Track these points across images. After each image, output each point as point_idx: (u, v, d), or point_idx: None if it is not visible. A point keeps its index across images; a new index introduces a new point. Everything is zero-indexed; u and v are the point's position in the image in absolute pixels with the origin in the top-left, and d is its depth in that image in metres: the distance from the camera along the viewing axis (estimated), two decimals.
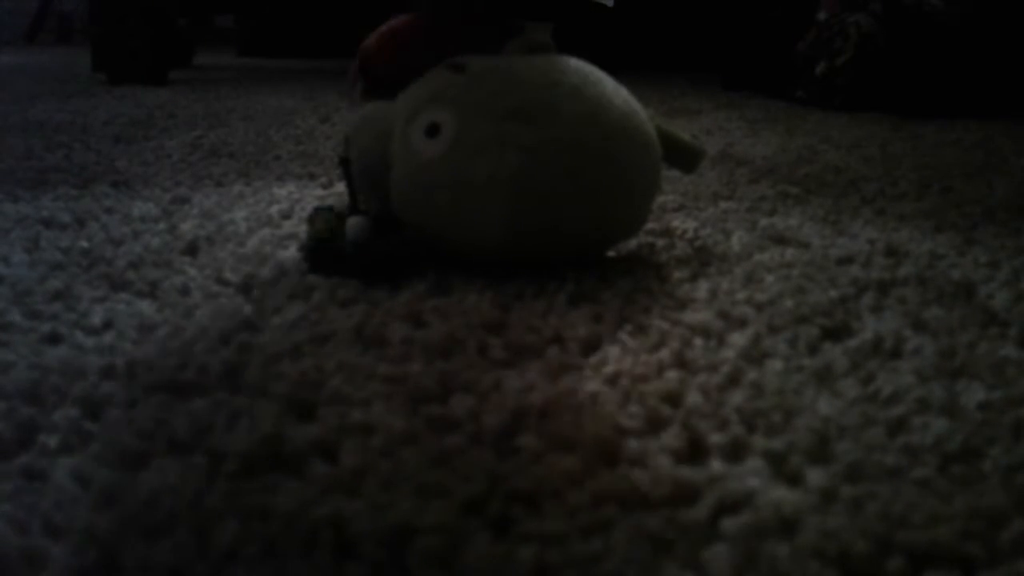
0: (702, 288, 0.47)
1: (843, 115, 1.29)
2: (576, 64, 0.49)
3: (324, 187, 0.71)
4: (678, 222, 0.62)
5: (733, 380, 0.36)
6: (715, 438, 0.31)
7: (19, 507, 0.26)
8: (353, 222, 0.48)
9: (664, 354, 0.38)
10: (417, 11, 0.66)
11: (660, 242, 0.56)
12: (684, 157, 0.54)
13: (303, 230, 0.56)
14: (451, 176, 0.45)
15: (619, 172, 0.47)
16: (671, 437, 0.31)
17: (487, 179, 0.45)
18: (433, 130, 0.46)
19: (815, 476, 0.29)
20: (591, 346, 0.39)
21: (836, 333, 0.42)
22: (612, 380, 0.35)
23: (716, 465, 0.29)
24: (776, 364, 0.37)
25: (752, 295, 0.46)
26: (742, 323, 0.42)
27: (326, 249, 0.48)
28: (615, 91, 0.49)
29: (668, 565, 0.24)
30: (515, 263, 0.48)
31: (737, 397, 0.34)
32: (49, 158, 0.82)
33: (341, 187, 0.64)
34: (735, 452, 0.30)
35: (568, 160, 0.46)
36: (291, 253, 0.52)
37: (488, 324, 0.41)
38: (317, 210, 0.52)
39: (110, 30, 1.55)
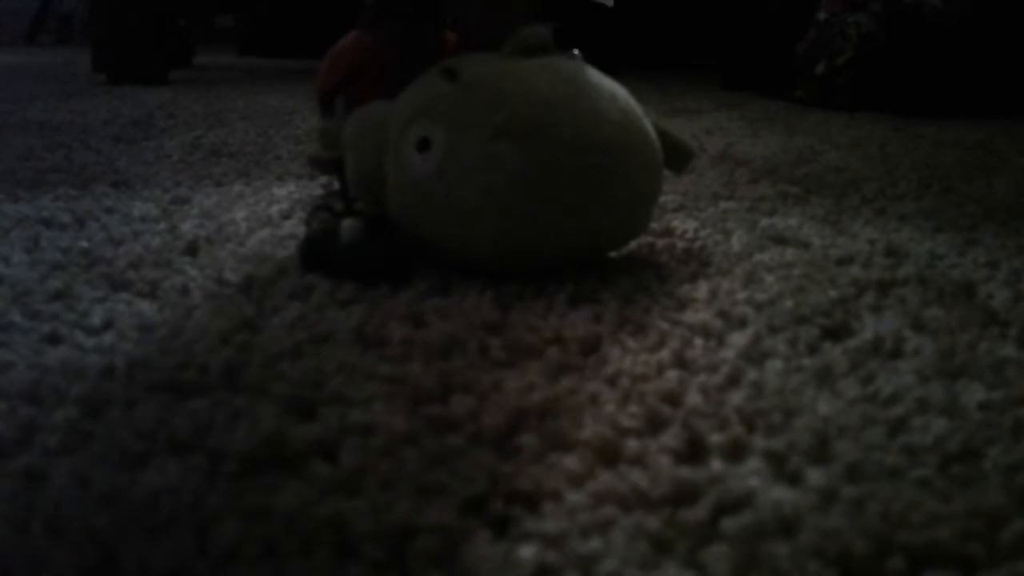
0: (702, 288, 0.47)
1: (843, 115, 1.29)
2: (572, 71, 0.48)
3: (324, 187, 0.71)
4: (678, 222, 0.61)
5: (733, 380, 0.36)
6: (715, 438, 0.31)
7: (19, 507, 0.26)
8: (347, 224, 0.48)
9: (664, 354, 0.38)
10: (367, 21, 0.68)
11: (660, 242, 0.56)
12: (674, 157, 0.54)
13: (303, 230, 0.56)
14: (442, 195, 0.45)
15: (611, 187, 0.47)
16: (671, 437, 0.31)
17: (476, 200, 0.45)
18: (424, 144, 0.46)
19: (815, 476, 0.29)
20: (591, 346, 0.39)
21: (836, 333, 0.42)
22: (612, 380, 0.35)
23: (716, 465, 0.29)
24: (776, 364, 0.37)
25: (752, 295, 0.46)
26: (742, 323, 0.42)
27: (320, 250, 0.48)
28: (611, 100, 0.48)
29: (668, 565, 0.24)
30: (513, 268, 0.47)
31: (737, 397, 0.34)
32: (49, 158, 0.82)
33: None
34: (735, 452, 0.30)
35: (556, 181, 0.45)
36: (291, 253, 0.52)
37: (488, 324, 0.41)
38: (316, 209, 0.52)
39: (110, 30, 1.55)
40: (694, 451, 0.30)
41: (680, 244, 0.56)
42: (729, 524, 0.26)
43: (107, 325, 0.41)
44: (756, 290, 0.47)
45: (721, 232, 0.59)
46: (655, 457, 0.30)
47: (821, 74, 1.41)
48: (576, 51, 0.51)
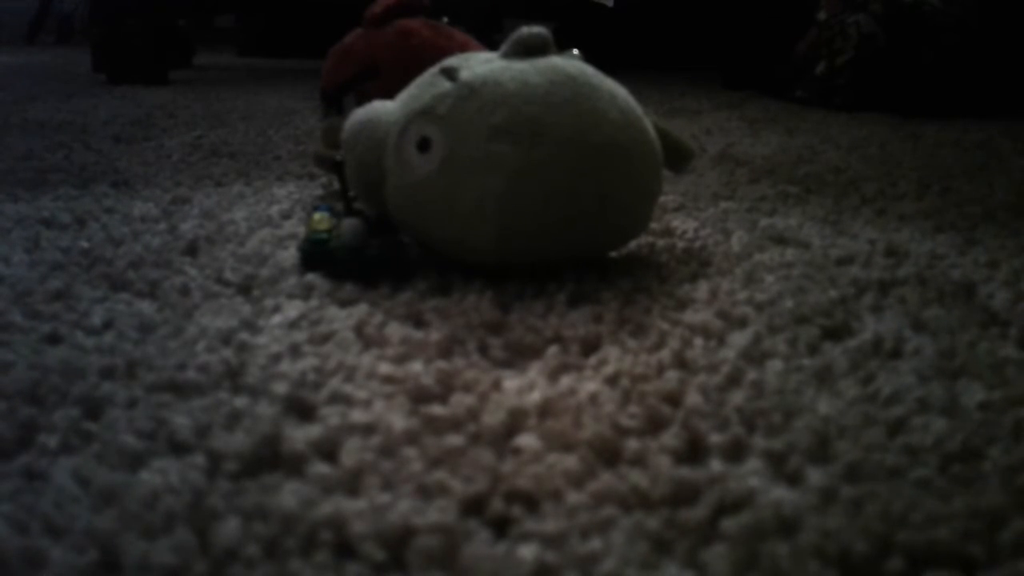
0: (702, 288, 0.47)
1: (843, 115, 1.29)
2: (571, 71, 0.48)
3: (324, 187, 0.71)
4: (678, 222, 0.62)
5: (733, 380, 0.36)
6: (715, 438, 0.31)
7: (19, 507, 0.26)
8: (348, 224, 0.48)
9: (664, 354, 0.38)
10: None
11: (660, 242, 0.56)
12: (675, 157, 0.54)
13: (303, 230, 0.56)
14: (441, 196, 0.45)
15: (610, 186, 0.47)
16: (671, 437, 0.31)
17: (476, 200, 0.45)
18: (424, 144, 0.46)
19: (815, 476, 0.29)
20: (591, 346, 0.39)
21: (836, 333, 0.42)
22: (612, 380, 0.35)
23: (716, 465, 0.29)
24: (776, 364, 0.37)
25: (752, 295, 0.46)
26: (742, 323, 0.42)
27: (320, 251, 0.48)
28: (611, 100, 0.48)
29: (668, 565, 0.24)
30: (513, 267, 0.47)
31: (737, 397, 0.34)
32: (49, 158, 0.82)
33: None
34: (735, 452, 0.30)
35: (555, 181, 0.45)
36: (291, 253, 0.52)
37: (488, 324, 0.41)
38: (316, 210, 0.52)
39: (110, 30, 1.55)
40: (694, 451, 0.30)
41: (680, 244, 0.56)
42: (729, 524, 0.26)
43: (107, 325, 0.41)
44: (756, 290, 0.47)
45: (721, 232, 0.59)
46: (655, 457, 0.30)
47: (821, 74, 1.41)
48: (576, 51, 0.51)
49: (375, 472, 0.28)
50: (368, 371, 0.36)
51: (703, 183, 0.76)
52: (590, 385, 0.35)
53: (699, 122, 1.17)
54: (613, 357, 0.38)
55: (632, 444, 0.30)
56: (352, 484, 0.28)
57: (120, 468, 0.29)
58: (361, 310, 0.42)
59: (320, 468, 0.29)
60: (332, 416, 0.32)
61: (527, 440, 0.30)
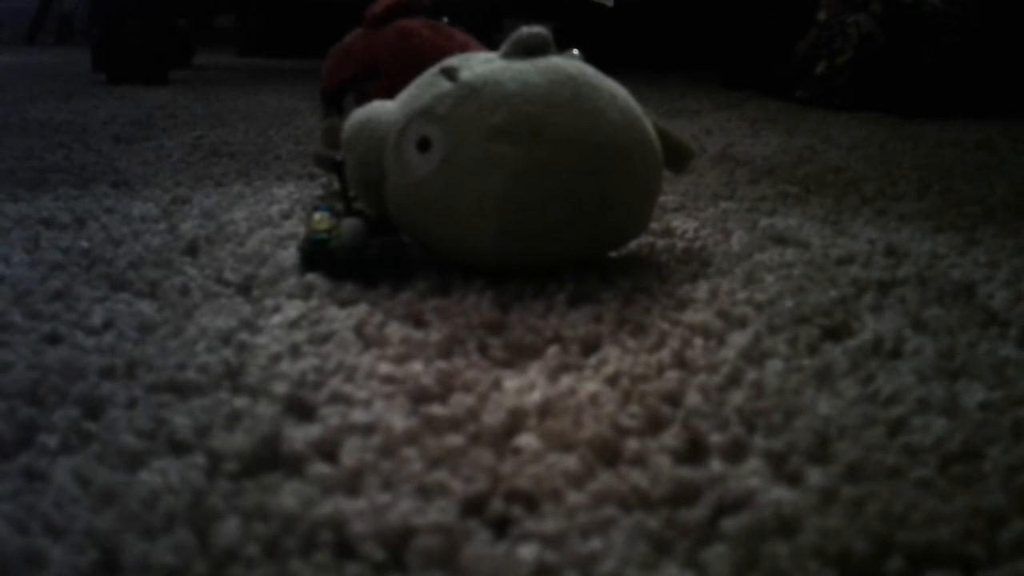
0: (702, 288, 0.47)
1: (843, 115, 1.28)
2: (572, 71, 0.48)
3: (324, 187, 0.71)
4: (678, 222, 0.61)
5: (733, 380, 0.36)
6: (715, 438, 0.31)
7: (19, 507, 0.26)
8: (347, 224, 0.48)
9: (664, 354, 0.38)
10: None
11: (660, 242, 0.56)
12: (675, 157, 0.54)
13: (303, 230, 0.56)
14: (441, 196, 0.45)
15: (610, 186, 0.47)
16: (671, 437, 0.31)
17: (475, 200, 0.45)
18: (424, 144, 0.46)
19: (815, 476, 0.29)
20: (591, 346, 0.39)
21: (836, 333, 0.42)
22: (612, 380, 0.35)
23: (716, 465, 0.29)
24: (776, 364, 0.37)
25: (752, 295, 0.46)
26: (742, 323, 0.42)
27: (320, 251, 0.48)
28: (611, 100, 0.48)
29: (668, 565, 0.24)
30: (513, 267, 0.47)
31: (737, 397, 0.34)
32: (49, 158, 0.82)
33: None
34: (735, 452, 0.30)
35: (555, 181, 0.45)
36: (291, 253, 0.52)
37: (488, 324, 0.41)
38: (316, 210, 0.52)
39: (110, 30, 1.55)
40: (694, 451, 0.30)
41: (680, 244, 0.56)
42: (729, 524, 0.26)
43: (107, 325, 0.41)
44: (756, 290, 0.47)
45: (721, 232, 0.59)
46: (655, 457, 0.30)
47: (821, 74, 1.41)
48: (576, 51, 0.51)
49: (375, 472, 0.28)
50: (368, 371, 0.36)
51: (703, 183, 0.76)
52: (590, 385, 0.35)
53: (699, 122, 1.17)
54: (613, 357, 0.38)
55: (632, 444, 0.30)
56: (352, 484, 0.28)
57: (120, 468, 0.29)
58: (361, 310, 0.42)
59: (320, 468, 0.29)
60: (332, 416, 0.32)
61: (527, 440, 0.30)
